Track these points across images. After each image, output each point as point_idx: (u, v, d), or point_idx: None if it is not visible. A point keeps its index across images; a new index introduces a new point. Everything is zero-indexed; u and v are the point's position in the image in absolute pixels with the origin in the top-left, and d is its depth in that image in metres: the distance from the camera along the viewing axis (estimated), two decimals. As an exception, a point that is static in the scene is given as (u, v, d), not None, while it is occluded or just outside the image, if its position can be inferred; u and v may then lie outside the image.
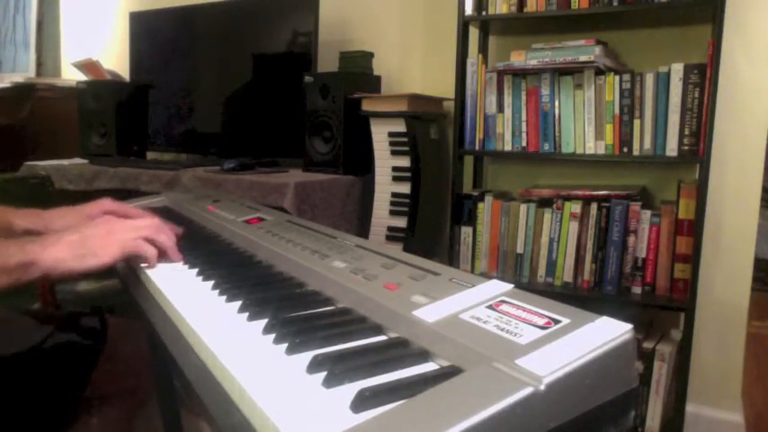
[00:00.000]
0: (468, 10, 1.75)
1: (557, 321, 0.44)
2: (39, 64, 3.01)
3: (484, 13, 1.74)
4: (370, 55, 1.99)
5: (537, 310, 0.47)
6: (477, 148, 1.80)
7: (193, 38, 2.34)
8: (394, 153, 1.78)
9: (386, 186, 1.81)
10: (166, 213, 1.13)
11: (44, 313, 1.28)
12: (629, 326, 0.42)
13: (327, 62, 2.03)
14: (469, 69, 1.79)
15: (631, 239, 1.61)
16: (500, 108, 1.76)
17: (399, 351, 0.49)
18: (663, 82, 1.55)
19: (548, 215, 1.70)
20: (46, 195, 1.76)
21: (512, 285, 0.53)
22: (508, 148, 1.76)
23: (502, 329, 0.45)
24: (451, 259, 1.84)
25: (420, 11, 2.08)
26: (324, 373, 0.44)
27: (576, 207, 1.66)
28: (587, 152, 1.66)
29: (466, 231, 1.83)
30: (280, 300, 0.63)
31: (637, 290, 1.62)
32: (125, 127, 2.29)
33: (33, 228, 0.92)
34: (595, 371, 0.39)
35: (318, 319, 0.57)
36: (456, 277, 0.57)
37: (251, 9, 2.13)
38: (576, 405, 0.38)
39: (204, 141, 2.32)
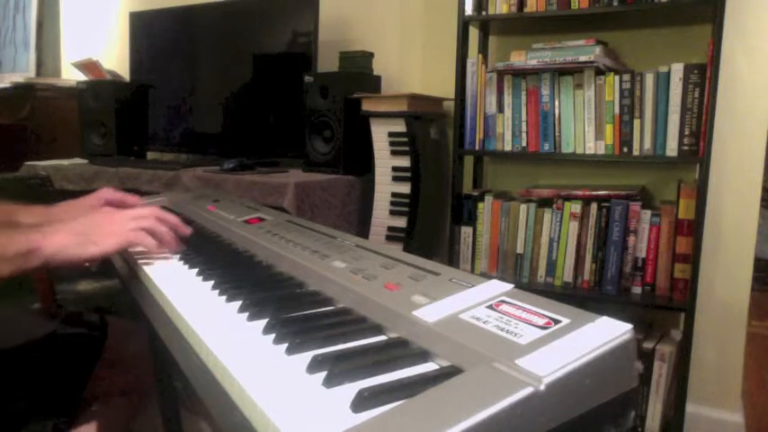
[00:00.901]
0: (468, 10, 1.75)
1: (557, 321, 0.44)
2: (39, 64, 3.01)
3: (484, 13, 1.74)
4: (370, 55, 1.99)
5: (537, 310, 0.47)
6: (477, 148, 1.80)
7: (193, 38, 2.34)
8: (394, 153, 1.78)
9: (386, 186, 1.81)
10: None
11: (44, 313, 1.28)
12: (629, 326, 0.42)
13: (327, 62, 2.03)
14: (469, 69, 1.79)
15: (631, 239, 1.61)
16: (500, 108, 1.76)
17: (399, 351, 0.49)
18: (663, 82, 1.55)
19: (548, 215, 1.70)
20: (46, 195, 1.76)
21: (512, 285, 0.53)
22: (508, 148, 1.76)
23: (502, 329, 0.45)
24: (451, 259, 1.84)
25: (420, 11, 2.08)
26: (324, 373, 0.44)
27: (576, 207, 1.66)
28: (587, 152, 1.66)
29: (466, 231, 1.83)
30: (280, 300, 0.63)
31: (637, 290, 1.62)
32: (125, 127, 2.29)
33: (39, 224, 0.92)
34: (595, 371, 0.39)
35: (318, 319, 0.57)
36: (456, 277, 0.57)
37: (251, 9, 2.13)
38: (576, 405, 0.38)
39: (204, 141, 2.32)
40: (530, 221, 1.73)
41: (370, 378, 0.44)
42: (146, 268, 0.77)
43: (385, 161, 1.80)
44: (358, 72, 1.94)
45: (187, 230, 0.85)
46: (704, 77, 1.49)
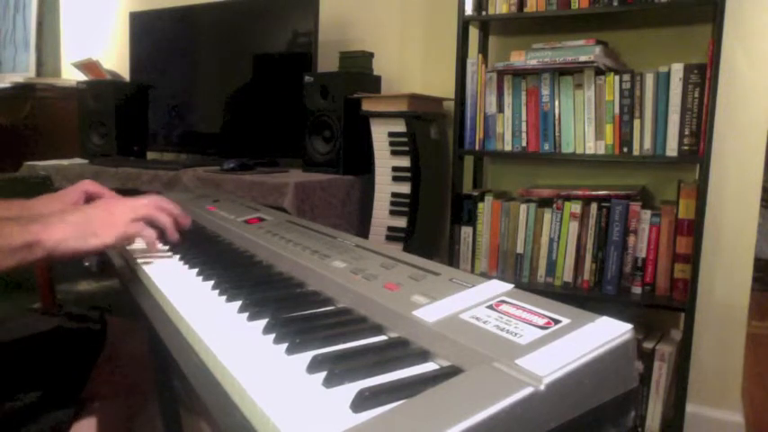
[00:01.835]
0: (469, 10, 1.75)
1: (557, 321, 0.44)
2: (39, 64, 3.01)
3: (484, 13, 1.74)
4: (370, 55, 1.99)
5: (537, 310, 0.47)
6: (477, 148, 1.80)
7: (193, 38, 2.34)
8: (394, 153, 1.78)
9: (386, 186, 1.81)
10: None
11: (44, 313, 1.28)
12: (629, 326, 0.42)
13: (327, 62, 2.03)
14: (469, 69, 1.79)
15: (631, 239, 1.61)
16: (500, 108, 1.76)
17: (399, 351, 0.49)
18: (663, 82, 1.55)
19: (548, 215, 1.70)
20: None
21: (512, 285, 0.53)
22: (508, 148, 1.76)
23: (502, 329, 0.45)
24: (451, 259, 1.84)
25: (420, 11, 2.08)
26: (324, 373, 0.44)
27: (576, 207, 1.66)
28: (587, 152, 1.66)
29: (466, 231, 1.83)
30: (280, 300, 0.63)
31: (637, 290, 1.62)
32: (125, 127, 2.29)
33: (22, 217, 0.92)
34: (595, 371, 0.39)
35: (318, 319, 0.57)
36: (456, 277, 0.57)
37: (251, 9, 2.13)
38: (576, 405, 0.38)
39: (204, 141, 2.32)
40: (530, 221, 1.73)
41: (370, 378, 0.44)
42: (146, 268, 0.77)
43: (385, 161, 1.80)
44: (358, 72, 1.94)
45: (186, 219, 0.85)
46: (704, 77, 1.49)
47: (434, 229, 1.95)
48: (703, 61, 1.51)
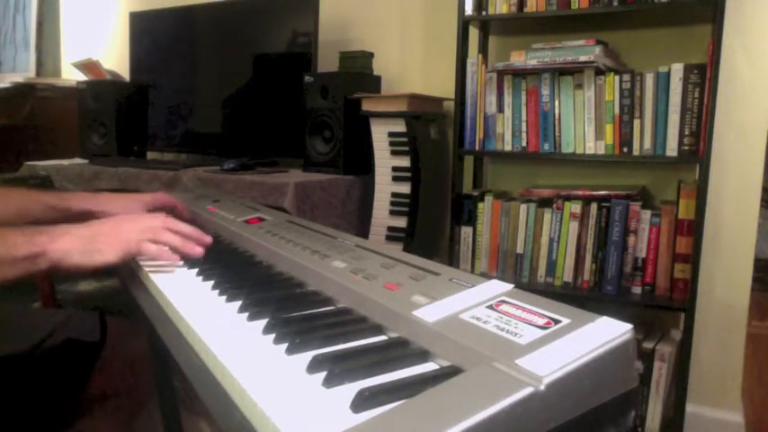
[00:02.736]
0: (469, 10, 1.75)
1: (557, 321, 0.44)
2: (39, 64, 3.01)
3: (484, 13, 1.74)
4: (370, 55, 1.99)
5: (537, 310, 0.47)
6: (477, 148, 1.80)
7: (193, 38, 2.34)
8: (394, 153, 1.78)
9: (386, 186, 1.81)
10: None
11: (44, 313, 1.28)
12: (629, 326, 0.42)
13: (327, 62, 2.03)
14: (469, 69, 1.79)
15: (631, 239, 1.61)
16: (500, 108, 1.76)
17: (399, 351, 0.49)
18: (663, 82, 1.55)
19: (548, 215, 1.70)
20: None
21: (512, 285, 0.53)
22: (508, 148, 1.76)
23: (502, 329, 0.45)
24: (451, 259, 1.84)
25: (420, 11, 2.08)
26: (324, 373, 0.44)
27: (576, 207, 1.66)
28: (587, 152, 1.66)
29: (466, 231, 1.83)
30: (280, 300, 0.63)
31: (637, 290, 1.62)
32: (125, 127, 2.29)
33: (90, 208, 0.94)
34: (595, 371, 0.39)
35: (318, 319, 0.57)
36: (456, 277, 0.57)
37: (251, 9, 2.13)
38: (576, 405, 0.38)
39: (204, 141, 2.32)
40: (530, 221, 1.73)
41: (370, 378, 0.44)
42: (146, 268, 0.77)
43: (385, 161, 1.80)
44: (358, 72, 1.94)
45: (206, 238, 0.81)
46: (704, 77, 1.49)
47: (434, 229, 1.95)
48: (703, 61, 1.51)
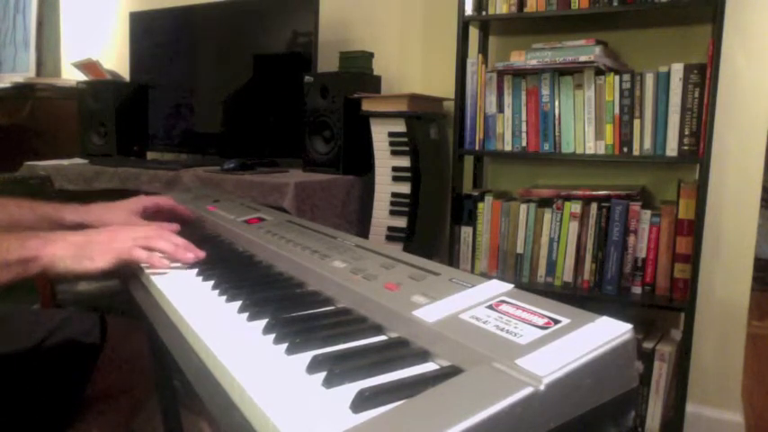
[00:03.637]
0: (469, 10, 1.75)
1: (557, 321, 0.44)
2: (39, 64, 3.00)
3: (484, 13, 1.74)
4: (370, 55, 1.99)
5: (537, 310, 0.47)
6: (477, 148, 1.80)
7: (193, 38, 2.34)
8: (394, 153, 1.78)
9: (386, 186, 1.81)
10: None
11: (44, 313, 1.28)
12: (628, 326, 0.42)
13: (327, 62, 2.03)
14: (469, 69, 1.79)
15: (631, 239, 1.61)
16: (500, 108, 1.76)
17: (399, 351, 0.49)
18: (663, 82, 1.55)
19: (548, 215, 1.70)
20: (46, 195, 1.76)
21: (512, 285, 0.53)
22: (508, 148, 1.76)
23: (502, 329, 0.45)
24: (451, 259, 1.84)
25: (420, 11, 2.08)
26: (324, 373, 0.44)
27: (576, 207, 1.66)
28: (587, 152, 1.66)
29: (466, 231, 1.83)
30: (280, 300, 0.63)
31: (637, 290, 1.62)
32: (125, 127, 2.29)
33: (84, 221, 0.93)
34: (595, 371, 0.39)
35: (318, 319, 0.57)
36: (456, 277, 0.57)
37: (251, 9, 2.13)
38: (576, 405, 0.38)
39: (204, 141, 2.32)
40: (530, 221, 1.73)
41: (370, 378, 0.44)
42: (146, 269, 0.77)
43: (385, 161, 1.80)
44: (358, 72, 1.94)
45: (200, 253, 0.80)
46: (704, 77, 1.49)
47: (434, 229, 1.95)
48: (703, 61, 1.51)
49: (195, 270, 0.75)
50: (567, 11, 1.61)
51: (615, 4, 1.55)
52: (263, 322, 0.55)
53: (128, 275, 0.81)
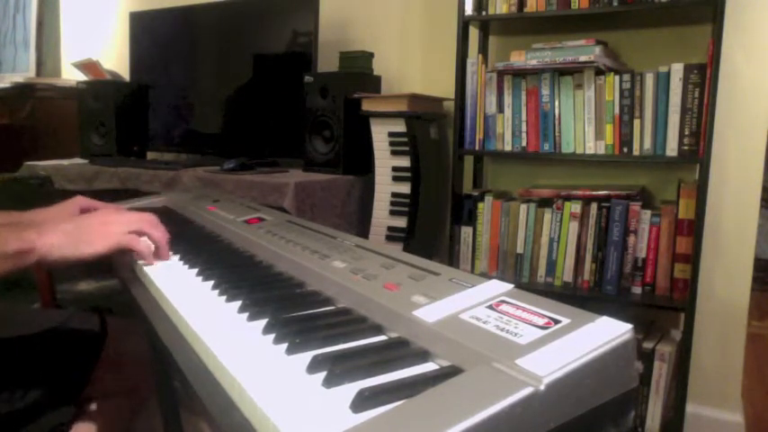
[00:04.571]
0: (469, 10, 1.75)
1: (557, 321, 0.44)
2: (39, 64, 3.00)
3: (484, 13, 1.74)
4: (370, 55, 1.99)
5: (537, 310, 0.47)
6: (477, 148, 1.80)
7: (193, 38, 2.34)
8: (394, 153, 1.78)
9: (386, 186, 1.81)
10: (166, 213, 1.13)
11: (44, 313, 1.28)
12: (629, 326, 0.42)
13: (327, 62, 2.03)
14: (469, 69, 1.79)
15: (631, 239, 1.61)
16: (500, 108, 1.76)
17: (399, 351, 0.49)
18: (663, 82, 1.55)
19: (548, 215, 1.70)
20: (46, 195, 1.76)
21: (512, 285, 0.53)
22: (508, 148, 1.76)
23: (502, 329, 0.45)
24: (451, 259, 1.84)
25: (420, 11, 2.08)
26: (324, 373, 0.44)
27: (576, 207, 1.66)
28: (587, 152, 1.66)
29: (466, 231, 1.83)
30: (280, 300, 0.63)
31: (637, 290, 1.62)
32: (125, 127, 2.29)
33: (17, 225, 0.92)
34: (595, 371, 0.39)
35: (318, 319, 0.57)
36: (456, 277, 0.57)
37: (251, 9, 2.13)
38: (576, 405, 0.38)
39: (204, 141, 2.32)
40: (530, 221, 1.73)
41: (370, 378, 0.44)
42: (146, 268, 0.77)
43: (385, 161, 1.80)
44: (358, 72, 1.94)
45: (168, 256, 0.81)
46: (704, 77, 1.49)
47: (434, 229, 1.95)
48: (703, 61, 1.51)
49: (195, 270, 0.75)
50: (567, 11, 1.61)
51: (615, 4, 1.55)
52: (262, 322, 0.55)
53: (128, 275, 0.81)
